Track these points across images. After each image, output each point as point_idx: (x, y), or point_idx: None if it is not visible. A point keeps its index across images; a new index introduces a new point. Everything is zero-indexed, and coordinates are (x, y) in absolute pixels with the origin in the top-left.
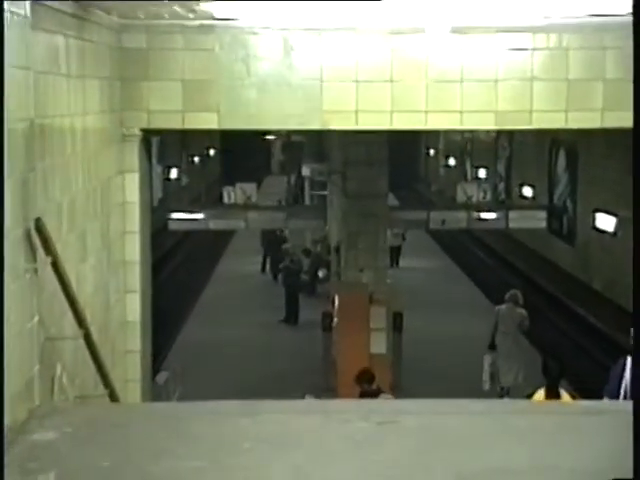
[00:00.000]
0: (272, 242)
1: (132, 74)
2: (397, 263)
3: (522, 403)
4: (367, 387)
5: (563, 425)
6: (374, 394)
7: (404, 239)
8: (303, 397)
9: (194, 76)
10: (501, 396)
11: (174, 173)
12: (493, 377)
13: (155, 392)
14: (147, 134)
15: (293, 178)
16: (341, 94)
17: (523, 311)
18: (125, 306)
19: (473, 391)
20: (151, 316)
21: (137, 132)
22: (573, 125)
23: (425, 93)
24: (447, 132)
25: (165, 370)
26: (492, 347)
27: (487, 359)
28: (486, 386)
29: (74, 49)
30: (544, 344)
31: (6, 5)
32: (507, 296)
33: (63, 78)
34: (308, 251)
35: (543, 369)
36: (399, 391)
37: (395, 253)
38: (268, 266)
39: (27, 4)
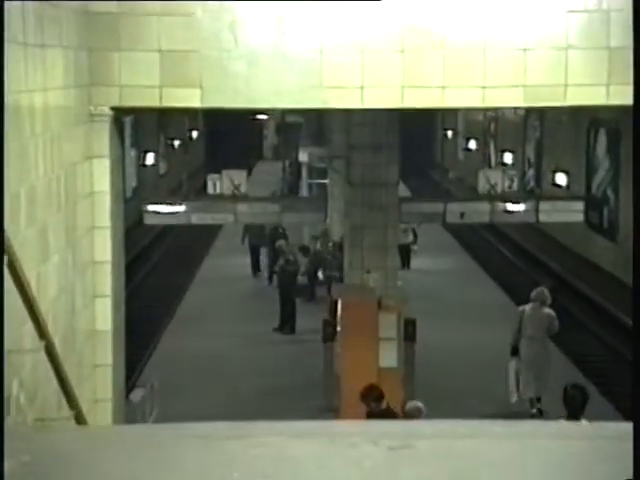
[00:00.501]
0: (260, 237)
1: (101, 43)
2: (408, 264)
3: (552, 425)
4: (375, 406)
5: (597, 451)
6: (383, 414)
7: (415, 236)
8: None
9: (173, 46)
10: (532, 410)
11: (150, 158)
12: (519, 386)
13: (129, 412)
14: (119, 113)
15: (289, 165)
16: (344, 67)
17: (551, 312)
18: (94, 313)
19: (498, 409)
20: (124, 324)
21: (107, 111)
22: (615, 101)
23: (442, 65)
24: (467, 111)
25: (141, 387)
26: (515, 353)
27: (512, 366)
28: (514, 397)
29: (31, 13)
30: (579, 355)
31: None
32: (533, 294)
33: (19, 47)
34: (306, 249)
35: (564, 398)
36: None
37: (404, 252)
38: (262, 267)
39: None
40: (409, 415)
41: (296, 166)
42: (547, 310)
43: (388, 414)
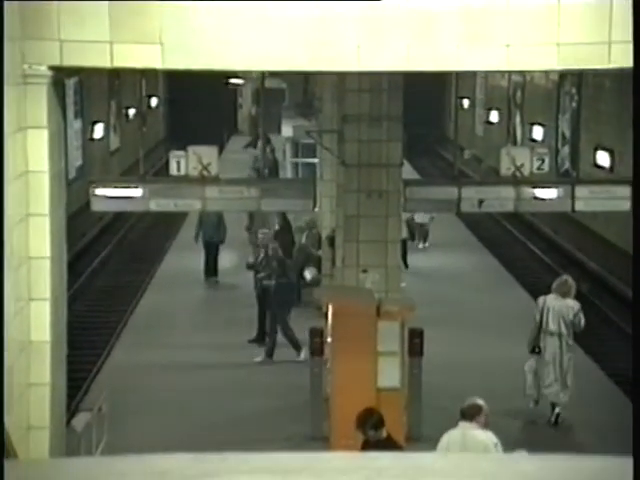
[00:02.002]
0: (218, 232)
1: None
2: (404, 263)
3: (588, 460)
4: (373, 435)
5: None
6: (383, 445)
7: (411, 231)
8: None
9: None
10: (552, 419)
11: (99, 131)
12: (539, 390)
13: (71, 442)
14: (59, 74)
15: (269, 140)
16: (336, 22)
17: (576, 303)
18: (29, 320)
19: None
20: (66, 334)
21: (44, 71)
22: None
23: (456, 18)
24: (488, 75)
25: (85, 410)
26: (534, 350)
27: (530, 366)
28: (531, 404)
29: None
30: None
31: None
32: (554, 284)
33: None
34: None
35: None
36: (418, 440)
37: (401, 249)
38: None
39: None
40: (467, 414)
41: (278, 142)
42: (571, 302)
43: (389, 445)
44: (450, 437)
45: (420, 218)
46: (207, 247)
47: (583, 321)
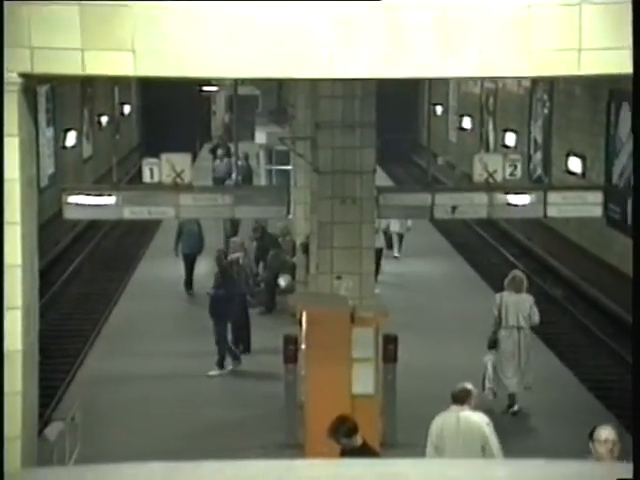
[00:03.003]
0: (196, 243)
1: None
2: (377, 269)
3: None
4: (347, 442)
5: None
6: (358, 452)
7: (387, 240)
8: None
9: None
10: (510, 407)
11: (72, 139)
12: (499, 384)
13: (44, 452)
14: (30, 82)
15: (242, 147)
16: (310, 29)
17: (530, 298)
18: (1, 329)
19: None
20: (38, 342)
21: (15, 78)
22: None
23: (429, 27)
24: (461, 82)
25: (59, 419)
26: (493, 345)
27: (489, 361)
28: (490, 395)
29: None
30: (600, 382)
31: None
32: (506, 281)
33: None
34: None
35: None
36: (394, 447)
37: (375, 258)
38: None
39: None
40: (458, 398)
41: (251, 149)
42: (525, 296)
43: (364, 452)
44: (444, 420)
45: (396, 227)
46: (186, 258)
47: (538, 314)
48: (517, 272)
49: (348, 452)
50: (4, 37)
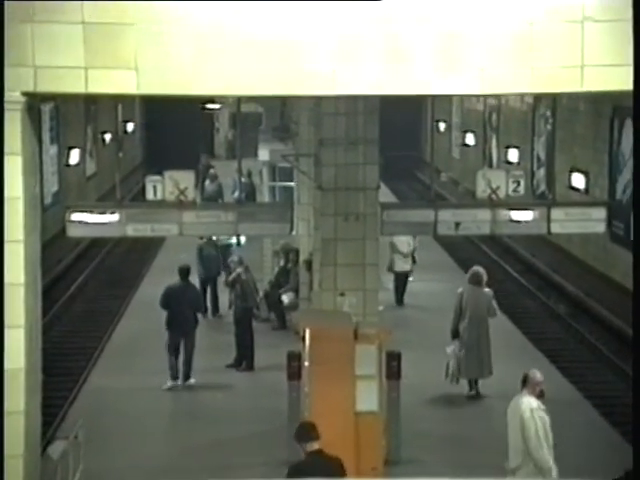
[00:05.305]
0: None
1: (10, 13)
2: (402, 293)
3: None
4: (305, 446)
5: None
6: (314, 455)
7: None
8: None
9: (100, 17)
10: (470, 392)
11: (75, 156)
12: (460, 371)
13: (47, 471)
14: (33, 100)
15: (246, 164)
16: (313, 46)
17: (489, 292)
18: (3, 347)
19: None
20: (41, 361)
21: (18, 97)
22: None
23: (432, 44)
24: (464, 99)
25: (62, 438)
26: (456, 335)
27: (451, 349)
28: (453, 382)
29: None
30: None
31: None
32: (468, 276)
33: None
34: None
35: None
36: (398, 464)
37: (402, 284)
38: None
39: None
40: (532, 383)
41: (255, 166)
42: (484, 290)
43: (320, 457)
44: (511, 402)
45: (405, 248)
46: (205, 282)
47: (496, 307)
48: (478, 268)
49: (307, 455)
50: (5, 57)
